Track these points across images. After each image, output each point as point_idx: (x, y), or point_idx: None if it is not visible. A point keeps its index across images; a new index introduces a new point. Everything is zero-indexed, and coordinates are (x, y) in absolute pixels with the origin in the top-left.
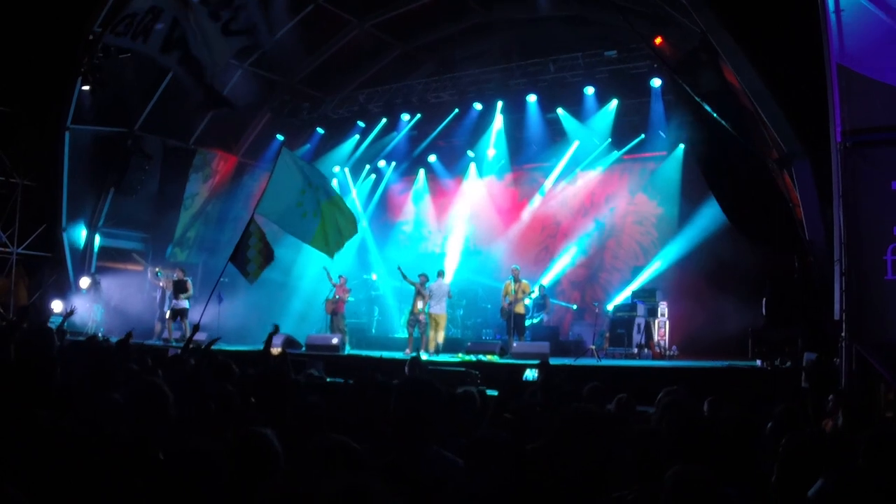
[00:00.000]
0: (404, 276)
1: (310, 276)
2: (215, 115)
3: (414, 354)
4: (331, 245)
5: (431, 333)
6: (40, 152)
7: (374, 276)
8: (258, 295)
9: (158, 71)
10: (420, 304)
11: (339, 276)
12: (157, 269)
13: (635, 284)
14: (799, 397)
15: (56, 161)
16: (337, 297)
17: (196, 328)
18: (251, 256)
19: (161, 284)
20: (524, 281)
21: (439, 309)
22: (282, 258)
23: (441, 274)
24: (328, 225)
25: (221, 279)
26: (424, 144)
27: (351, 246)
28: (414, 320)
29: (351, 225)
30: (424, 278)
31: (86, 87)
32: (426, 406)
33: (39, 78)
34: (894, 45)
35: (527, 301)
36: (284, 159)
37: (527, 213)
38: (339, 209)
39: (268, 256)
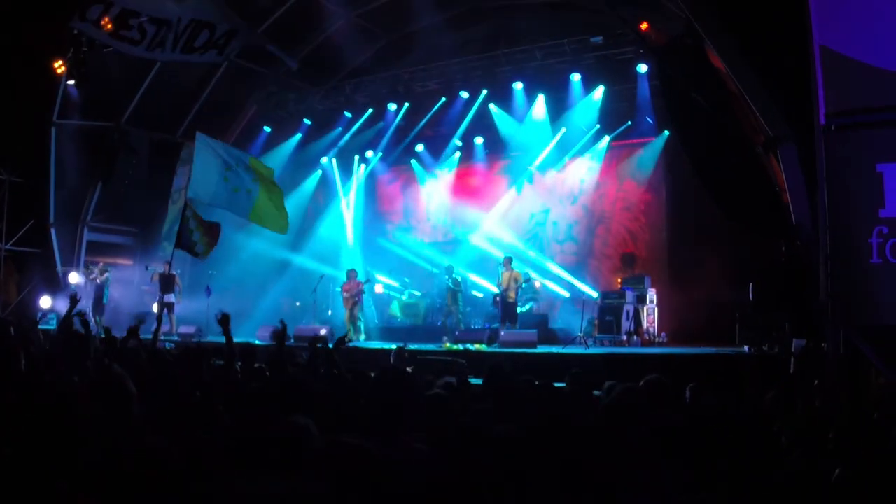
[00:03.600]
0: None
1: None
2: (202, 107)
3: (400, 345)
4: (276, 221)
5: None
6: (27, 148)
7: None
8: (246, 287)
9: (144, 64)
10: (451, 297)
11: (353, 271)
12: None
13: (624, 271)
14: (786, 383)
15: (43, 156)
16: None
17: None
18: (196, 238)
19: (155, 279)
20: (515, 269)
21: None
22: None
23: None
24: (264, 202)
25: (209, 272)
26: (413, 134)
27: (338, 238)
28: (448, 311)
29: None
30: (450, 269)
31: (71, 82)
32: (398, 396)
33: (24, 73)
34: (877, 25)
35: (519, 290)
36: (200, 144)
37: (515, 201)
38: (268, 187)
39: (213, 234)
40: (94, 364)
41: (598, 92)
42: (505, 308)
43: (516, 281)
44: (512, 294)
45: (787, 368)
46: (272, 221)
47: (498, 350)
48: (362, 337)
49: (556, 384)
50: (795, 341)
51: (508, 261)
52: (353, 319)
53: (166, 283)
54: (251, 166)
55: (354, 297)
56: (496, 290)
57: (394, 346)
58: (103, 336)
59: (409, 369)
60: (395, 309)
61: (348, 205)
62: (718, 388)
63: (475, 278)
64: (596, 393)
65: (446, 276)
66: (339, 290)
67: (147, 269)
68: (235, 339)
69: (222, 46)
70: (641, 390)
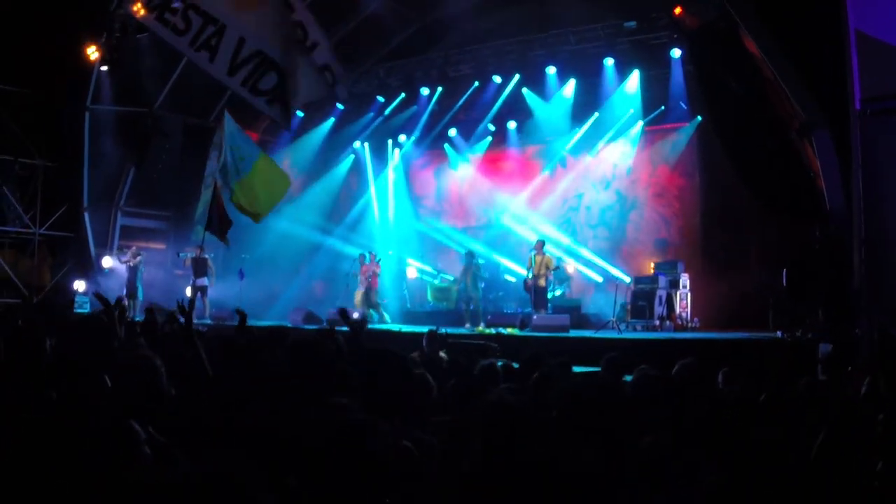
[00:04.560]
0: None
1: (336, 250)
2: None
3: (432, 328)
4: (256, 207)
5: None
6: (61, 133)
7: (389, 252)
8: (278, 270)
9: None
10: (469, 280)
11: (369, 253)
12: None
13: (657, 256)
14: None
15: (77, 141)
16: (370, 273)
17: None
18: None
19: (188, 264)
20: (548, 255)
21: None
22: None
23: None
24: (247, 189)
25: (242, 255)
26: (447, 119)
27: (370, 220)
28: (467, 297)
29: (281, 182)
30: (472, 254)
31: (105, 68)
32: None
33: (58, 58)
34: None
35: (550, 276)
36: (228, 125)
37: (548, 186)
38: (265, 171)
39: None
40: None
41: (634, 77)
42: (536, 292)
43: (548, 267)
44: (542, 280)
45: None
46: (255, 208)
47: (530, 334)
48: (388, 318)
49: (585, 369)
50: (821, 346)
51: (540, 245)
52: (370, 303)
53: (199, 267)
54: (257, 160)
55: (368, 280)
56: (526, 275)
57: (425, 330)
58: (140, 319)
59: (442, 353)
60: (427, 293)
61: (380, 189)
62: (751, 374)
63: (507, 263)
64: (627, 378)
65: (467, 262)
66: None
67: (179, 255)
68: (268, 323)
69: (286, 108)
70: (675, 375)
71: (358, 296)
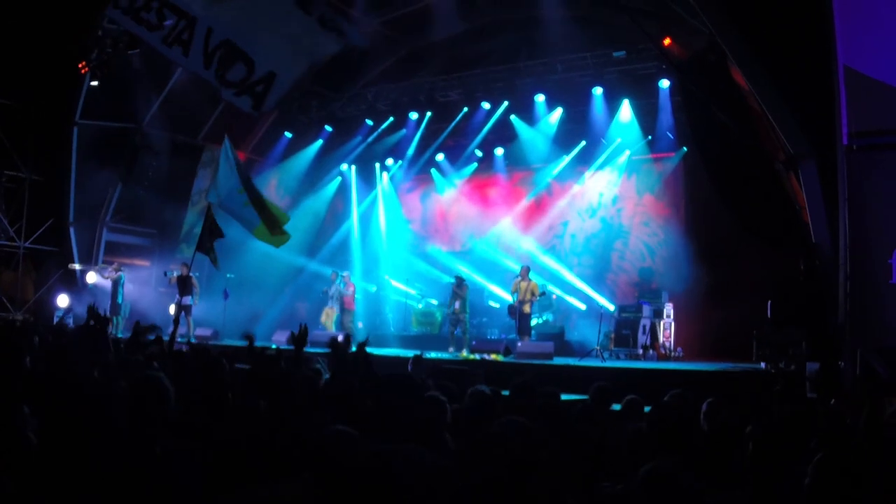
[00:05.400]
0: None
1: (317, 272)
2: (224, 111)
3: (417, 353)
4: (275, 238)
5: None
6: (48, 147)
7: (373, 288)
8: (262, 291)
9: (167, 66)
10: (458, 305)
11: (343, 273)
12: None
13: (641, 285)
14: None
15: (64, 155)
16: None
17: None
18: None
19: (114, 277)
20: (533, 280)
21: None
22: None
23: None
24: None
25: (227, 275)
26: (437, 143)
27: (356, 244)
28: (455, 320)
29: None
30: (461, 279)
31: (94, 83)
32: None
33: (48, 72)
34: None
35: (535, 300)
36: (227, 149)
37: (534, 213)
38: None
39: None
40: (117, 359)
41: (625, 106)
42: (520, 318)
43: (533, 292)
44: (527, 306)
45: (803, 387)
46: (275, 238)
47: (514, 361)
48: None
49: (571, 397)
50: (808, 364)
51: (526, 270)
52: (345, 326)
53: (184, 286)
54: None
55: (345, 302)
56: (511, 300)
57: (411, 354)
58: (120, 336)
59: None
60: (410, 317)
61: (366, 212)
62: (735, 405)
63: (493, 287)
64: (615, 407)
65: (457, 285)
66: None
67: (165, 274)
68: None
69: (260, 96)
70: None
71: (327, 314)
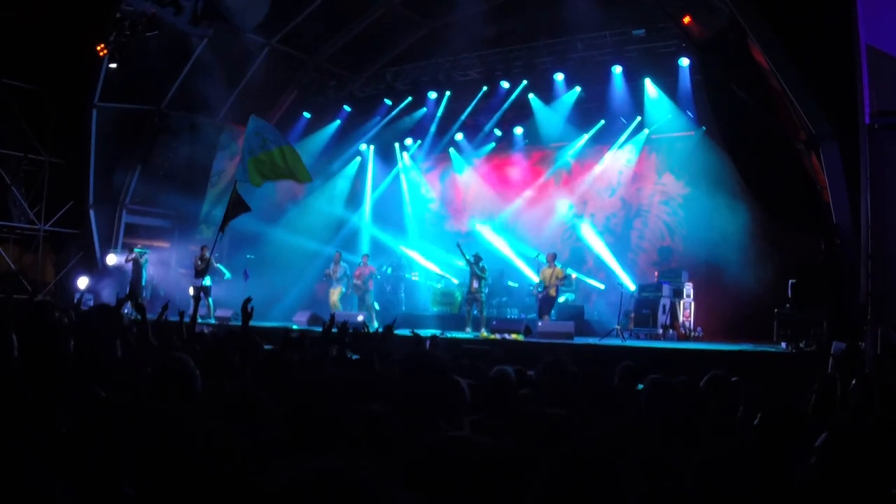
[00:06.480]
0: (463, 255)
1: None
2: (243, 92)
3: (436, 332)
4: (261, 174)
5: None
6: (67, 130)
7: (389, 270)
8: (282, 271)
9: (185, 48)
10: (476, 284)
11: (362, 255)
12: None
13: (661, 265)
14: (825, 383)
15: (83, 138)
16: (365, 275)
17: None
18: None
19: (130, 259)
20: (558, 266)
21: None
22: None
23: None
24: (266, 164)
25: (248, 255)
26: (458, 125)
27: (370, 225)
28: (472, 299)
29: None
30: (478, 258)
31: (113, 65)
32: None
33: (67, 56)
34: None
35: (562, 285)
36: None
37: (553, 192)
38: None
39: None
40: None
41: (650, 85)
42: (545, 300)
43: (558, 277)
44: (553, 290)
45: (825, 367)
46: (260, 175)
47: (535, 340)
48: (375, 324)
49: None
50: (835, 343)
51: (552, 257)
52: (366, 307)
53: (203, 267)
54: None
55: (365, 284)
56: (535, 281)
57: (428, 334)
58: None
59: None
60: (430, 297)
61: (385, 191)
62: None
63: (519, 262)
64: (639, 387)
65: (475, 264)
66: (351, 275)
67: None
68: (273, 324)
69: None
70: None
71: (333, 295)
